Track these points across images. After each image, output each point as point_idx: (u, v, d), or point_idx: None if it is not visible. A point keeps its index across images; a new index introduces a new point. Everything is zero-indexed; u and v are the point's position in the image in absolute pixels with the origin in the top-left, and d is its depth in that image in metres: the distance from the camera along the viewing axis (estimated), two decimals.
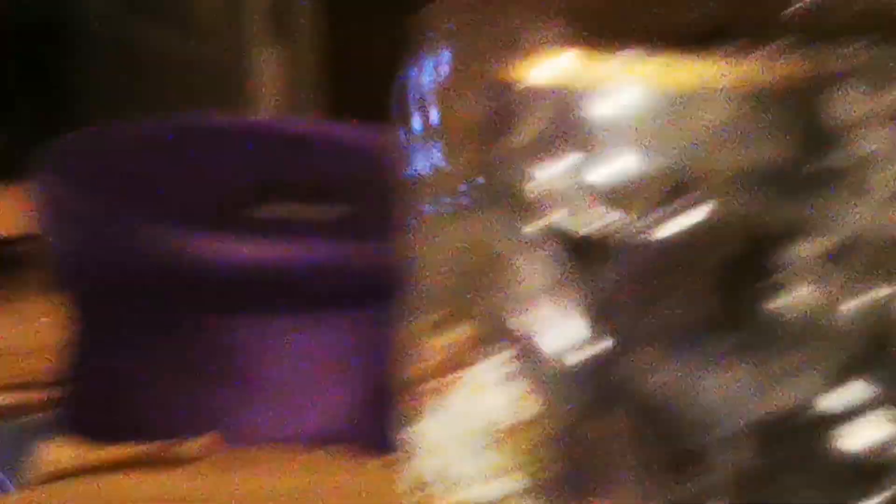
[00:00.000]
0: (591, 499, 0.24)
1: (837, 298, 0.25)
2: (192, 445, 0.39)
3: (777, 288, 0.25)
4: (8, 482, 0.41)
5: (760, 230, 0.25)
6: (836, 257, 0.25)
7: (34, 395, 0.45)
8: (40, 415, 0.44)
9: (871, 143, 0.25)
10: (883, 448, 0.25)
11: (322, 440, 0.36)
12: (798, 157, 0.25)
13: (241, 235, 0.38)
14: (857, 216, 0.25)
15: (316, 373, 0.37)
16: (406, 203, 0.27)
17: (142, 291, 0.39)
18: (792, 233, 0.25)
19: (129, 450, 0.39)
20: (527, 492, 0.25)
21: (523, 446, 0.25)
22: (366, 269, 0.35)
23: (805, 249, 0.25)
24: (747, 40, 0.28)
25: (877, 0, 0.29)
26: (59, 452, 0.39)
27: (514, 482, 0.25)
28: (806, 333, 0.25)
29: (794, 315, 0.25)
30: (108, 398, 0.41)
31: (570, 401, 0.24)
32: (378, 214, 0.29)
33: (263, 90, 1.69)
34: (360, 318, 0.35)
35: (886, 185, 0.25)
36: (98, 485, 0.38)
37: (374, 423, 0.35)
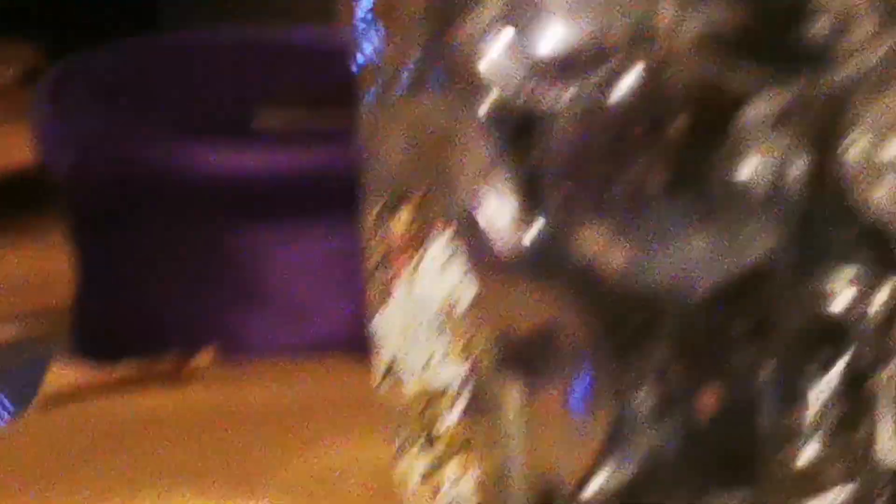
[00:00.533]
0: (536, 385, 0.24)
1: (787, 163, 0.24)
2: (197, 360, 0.40)
3: (731, 154, 0.25)
4: (17, 407, 0.42)
5: (711, 95, 0.25)
6: (787, 121, 0.24)
7: (46, 325, 0.46)
8: (52, 343, 0.45)
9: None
10: (848, 308, 0.25)
11: (328, 348, 0.37)
12: (752, 23, 0.24)
13: (240, 145, 0.38)
14: (806, 81, 0.24)
15: (321, 280, 0.38)
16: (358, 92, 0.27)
17: (143, 206, 0.39)
18: (744, 97, 0.24)
19: (134, 367, 0.40)
20: (469, 377, 0.24)
21: (463, 331, 0.24)
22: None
23: (757, 113, 0.24)
24: None
25: None
26: (65, 375, 0.40)
27: (461, 367, 0.25)
28: (760, 199, 0.25)
29: (748, 181, 0.25)
30: (112, 317, 0.41)
31: (509, 283, 0.24)
32: None
33: None
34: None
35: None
36: (104, 403, 0.39)
37: None
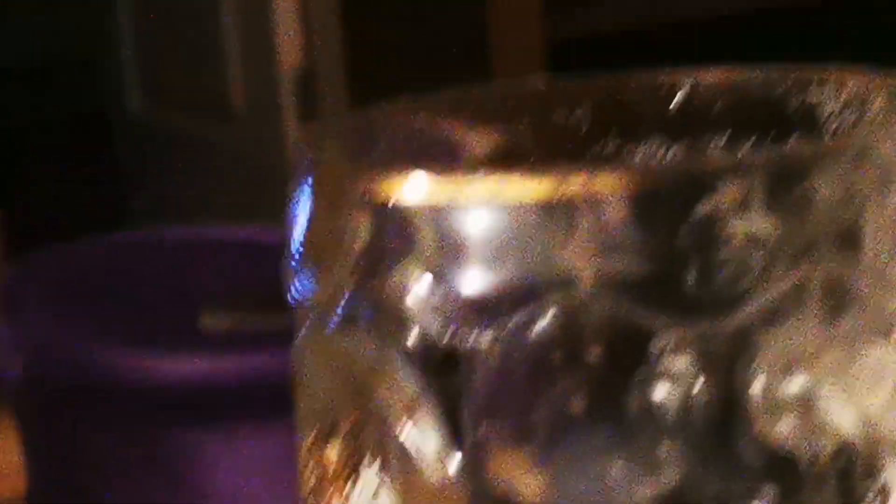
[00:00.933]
0: None
1: (695, 392, 0.26)
2: None
3: (643, 381, 0.26)
4: None
5: (622, 331, 0.26)
6: (693, 354, 0.26)
7: None
8: None
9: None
10: None
11: None
12: (660, 267, 0.26)
13: (187, 349, 0.40)
14: (709, 321, 0.26)
15: (270, 482, 0.39)
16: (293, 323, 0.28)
17: (92, 409, 0.40)
18: (653, 331, 0.26)
19: None
20: None
21: None
22: None
23: (665, 346, 0.26)
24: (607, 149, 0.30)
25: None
26: None
27: None
28: (671, 424, 0.26)
29: (660, 406, 0.26)
30: None
31: None
32: None
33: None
34: None
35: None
36: None
37: None
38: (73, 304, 0.44)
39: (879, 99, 0.28)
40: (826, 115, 0.29)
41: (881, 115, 0.28)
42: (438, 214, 0.26)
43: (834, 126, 0.29)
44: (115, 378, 0.39)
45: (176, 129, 2.04)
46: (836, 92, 0.29)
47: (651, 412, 0.26)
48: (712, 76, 0.30)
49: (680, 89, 0.30)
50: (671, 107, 0.30)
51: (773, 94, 0.30)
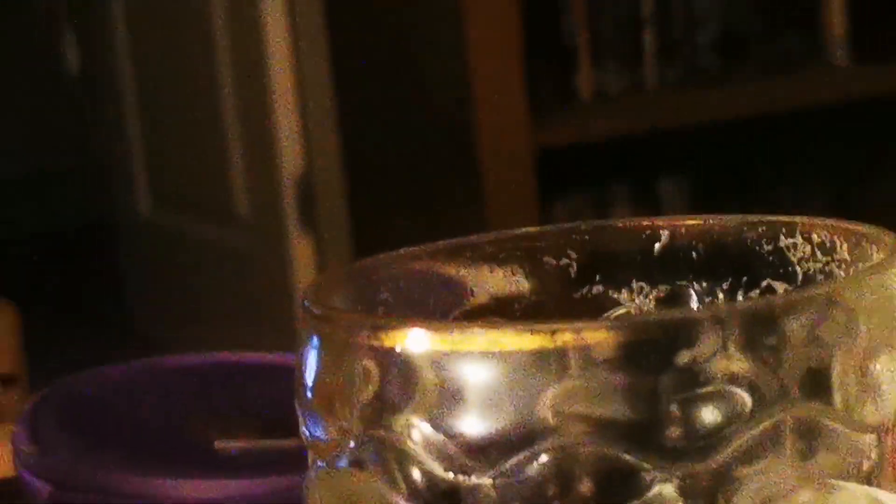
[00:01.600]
0: None
1: None
2: None
3: None
4: None
5: (611, 470, 0.28)
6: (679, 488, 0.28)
7: None
8: None
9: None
10: None
11: None
12: (643, 416, 0.28)
13: (200, 472, 0.42)
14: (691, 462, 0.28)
15: None
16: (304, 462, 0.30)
17: None
18: (640, 471, 0.28)
19: None
20: None
21: None
22: None
23: (651, 480, 0.28)
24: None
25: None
26: None
27: None
28: None
29: None
30: None
31: None
32: None
33: (297, 276, 1.87)
34: None
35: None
36: None
37: None
38: (93, 430, 0.46)
39: (844, 246, 0.31)
40: (796, 260, 0.31)
41: (845, 265, 0.30)
42: (438, 362, 0.28)
43: (802, 271, 0.31)
44: (136, 501, 0.41)
45: (181, 232, 2.10)
46: (804, 239, 0.31)
47: None
48: (690, 224, 0.32)
49: (660, 236, 0.32)
50: (654, 252, 0.33)
51: (746, 241, 0.32)
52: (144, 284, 2.26)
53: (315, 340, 0.29)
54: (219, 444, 0.44)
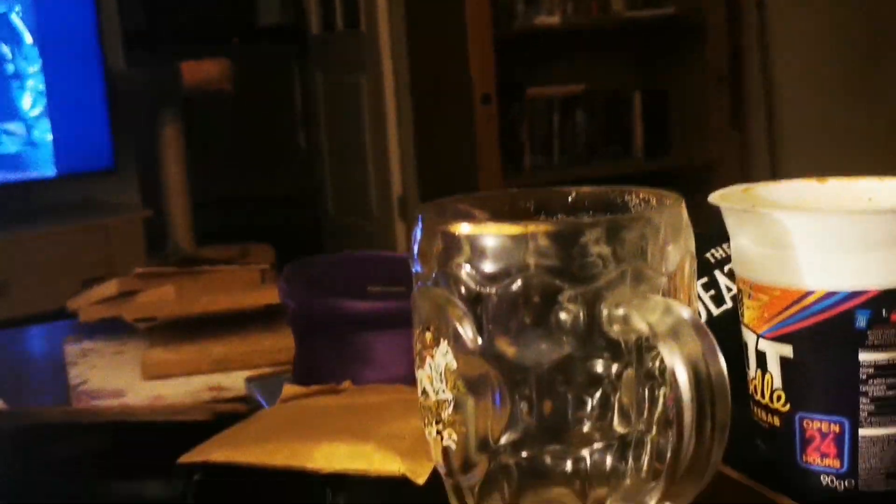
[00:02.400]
0: (479, 399, 0.62)
1: (580, 319, 0.63)
2: (342, 385, 0.90)
3: (559, 307, 0.63)
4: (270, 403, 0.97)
5: (550, 288, 0.63)
6: (580, 299, 0.63)
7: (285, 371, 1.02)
8: (287, 377, 1.00)
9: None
10: None
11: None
12: (565, 264, 0.63)
13: (363, 299, 0.90)
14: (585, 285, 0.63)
15: (399, 355, 0.90)
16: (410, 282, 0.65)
17: (322, 324, 0.91)
18: (563, 289, 0.63)
19: (318, 387, 0.89)
20: (453, 397, 0.62)
21: (451, 381, 0.62)
22: None
23: (567, 295, 0.63)
24: None
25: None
26: (290, 389, 0.89)
27: (449, 394, 0.62)
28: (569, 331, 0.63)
29: (562, 323, 0.63)
30: (312, 375, 0.93)
31: (472, 363, 0.62)
32: None
33: (397, 243, 3.58)
34: None
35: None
36: (305, 402, 0.86)
37: None
38: (316, 282, 0.96)
39: (653, 199, 0.66)
40: (632, 205, 0.67)
41: (654, 206, 0.66)
42: (473, 238, 0.63)
43: (635, 210, 0.67)
44: (334, 312, 0.90)
45: (357, 224, 4.75)
46: (636, 196, 0.67)
47: (560, 325, 0.63)
48: (584, 190, 0.68)
49: (571, 194, 0.67)
50: (568, 201, 0.68)
51: (610, 196, 0.67)
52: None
53: (419, 229, 0.63)
54: (370, 289, 0.93)
